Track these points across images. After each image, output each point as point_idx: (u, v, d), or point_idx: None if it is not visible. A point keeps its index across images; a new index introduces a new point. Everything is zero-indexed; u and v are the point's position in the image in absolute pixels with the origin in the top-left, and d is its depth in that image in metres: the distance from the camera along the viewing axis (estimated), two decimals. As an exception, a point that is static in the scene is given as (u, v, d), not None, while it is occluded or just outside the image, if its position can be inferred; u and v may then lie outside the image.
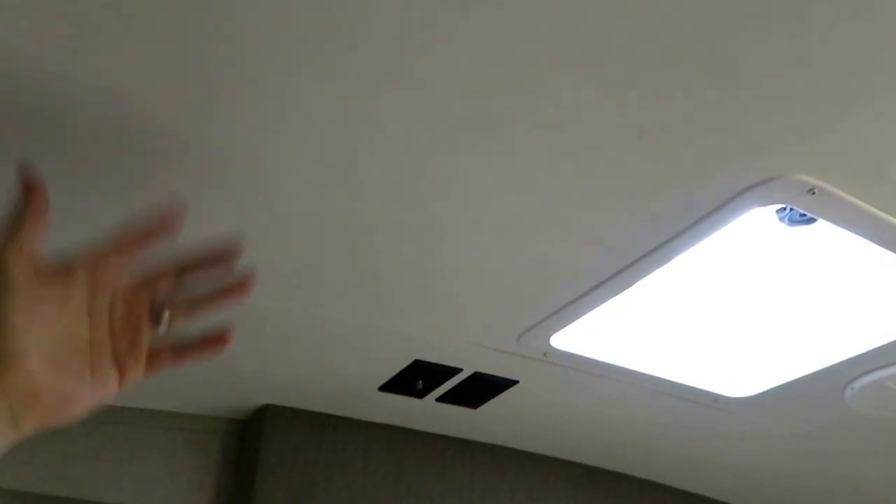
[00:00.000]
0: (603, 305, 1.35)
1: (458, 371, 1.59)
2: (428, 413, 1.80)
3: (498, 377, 1.61)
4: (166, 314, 0.84)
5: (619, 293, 1.31)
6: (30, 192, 0.74)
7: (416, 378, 1.62)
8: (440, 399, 1.72)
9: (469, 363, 1.56)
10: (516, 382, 1.63)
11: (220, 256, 0.87)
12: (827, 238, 1.18)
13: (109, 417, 1.75)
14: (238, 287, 0.87)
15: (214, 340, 0.86)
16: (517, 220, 1.10)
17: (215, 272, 0.87)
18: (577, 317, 1.37)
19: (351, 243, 1.16)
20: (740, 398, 1.63)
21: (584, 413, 1.77)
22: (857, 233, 1.12)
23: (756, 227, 1.17)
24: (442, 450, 1.91)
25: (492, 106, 0.88)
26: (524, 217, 1.09)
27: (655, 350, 1.52)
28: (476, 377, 1.61)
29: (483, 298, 1.32)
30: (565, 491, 2.01)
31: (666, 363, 1.55)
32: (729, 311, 1.41)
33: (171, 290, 0.85)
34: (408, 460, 1.86)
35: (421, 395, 1.70)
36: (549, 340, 1.44)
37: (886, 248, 1.16)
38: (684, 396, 1.65)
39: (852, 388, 1.53)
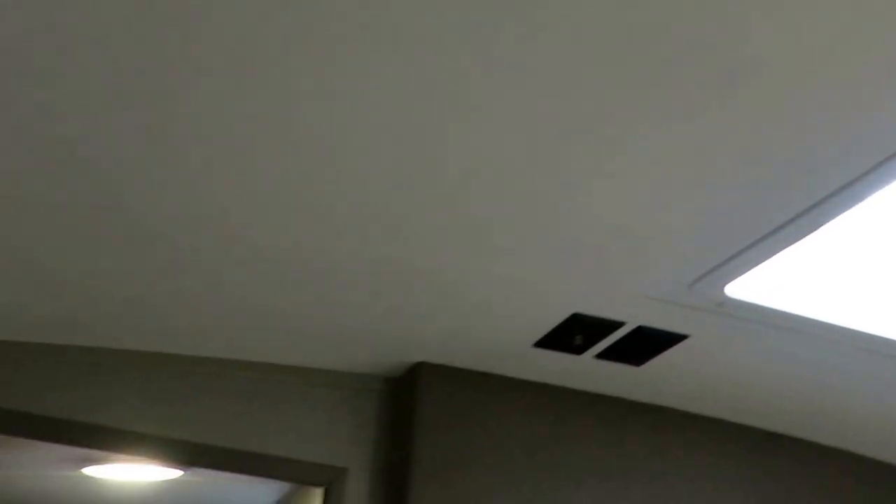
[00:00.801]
0: (786, 251, 1.19)
1: (620, 325, 1.48)
2: (587, 371, 1.70)
3: (665, 331, 1.48)
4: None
5: (802, 237, 1.15)
6: None
7: (575, 333, 1.52)
8: (600, 356, 1.62)
9: (633, 316, 1.44)
10: (685, 337, 1.49)
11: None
12: None
13: (272, 376, 1.80)
14: None
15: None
16: (689, 162, 0.97)
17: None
18: (757, 263, 1.22)
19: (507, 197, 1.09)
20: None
21: (763, 372, 1.60)
22: None
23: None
24: (603, 411, 1.80)
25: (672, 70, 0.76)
26: (696, 157, 0.96)
27: (848, 300, 1.33)
28: (640, 332, 1.49)
29: (649, 243, 1.19)
30: (740, 458, 1.85)
31: (860, 314, 1.36)
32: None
33: None
34: (567, 421, 1.77)
35: (579, 351, 1.60)
36: (724, 289, 1.29)
37: None
38: (881, 351, 1.44)
39: None
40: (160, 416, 1.70)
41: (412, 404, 1.70)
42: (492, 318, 1.51)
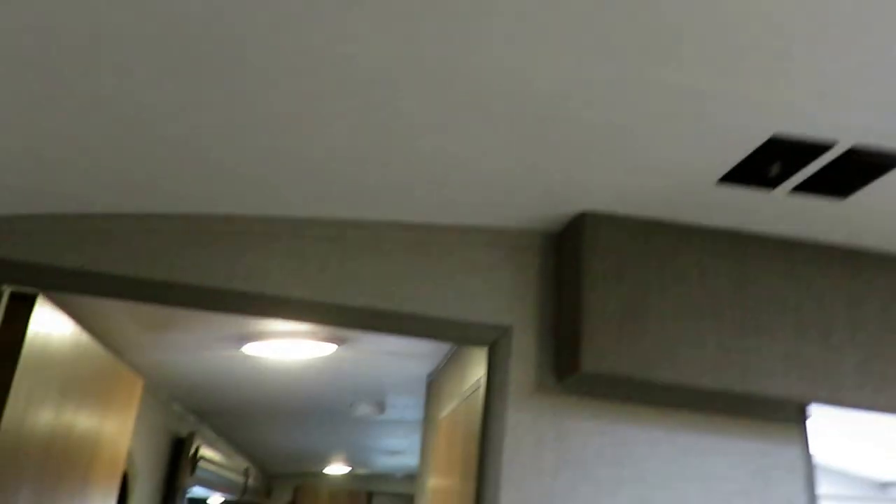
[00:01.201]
0: None
1: (827, 147, 1.26)
2: (779, 209, 1.50)
3: (885, 152, 1.25)
4: None
5: None
6: None
7: (771, 160, 1.32)
8: (798, 188, 1.41)
9: (845, 133, 1.22)
10: (911, 156, 1.26)
11: None
12: None
13: (429, 236, 1.71)
14: None
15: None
16: None
17: None
18: None
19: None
20: None
21: None
22: None
23: None
24: (794, 256, 1.60)
25: None
26: None
27: None
28: (852, 154, 1.27)
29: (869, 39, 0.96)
30: (955, 303, 1.62)
31: None
32: None
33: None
34: (751, 267, 1.59)
35: (774, 183, 1.40)
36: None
37: None
38: None
39: None
40: (317, 282, 1.66)
41: (578, 256, 1.58)
42: (671, 151, 1.33)
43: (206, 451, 4.04)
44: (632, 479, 1.56)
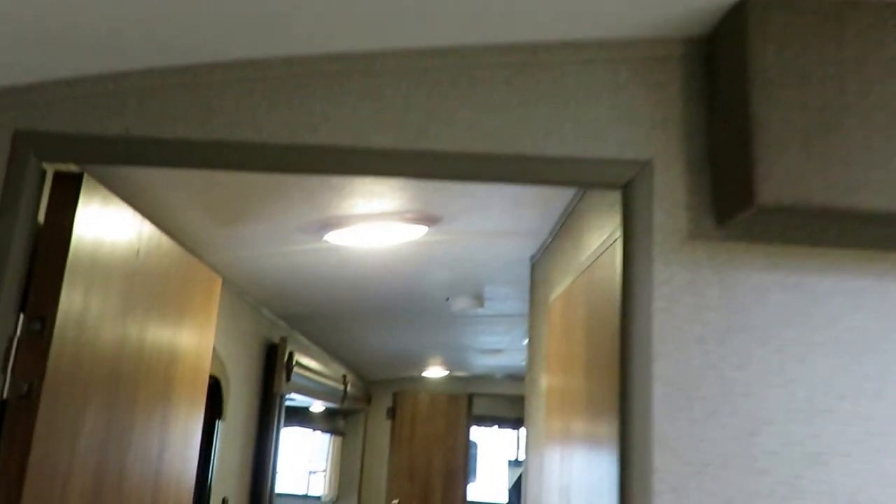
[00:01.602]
0: None
1: None
2: None
3: None
4: None
5: None
6: None
7: None
8: None
9: None
10: None
11: None
12: None
13: (536, 57, 1.33)
14: None
15: None
16: None
17: None
18: None
19: None
20: None
21: None
22: None
23: None
24: None
25: None
26: None
27: None
28: None
29: None
30: None
31: None
32: None
33: None
34: None
35: None
36: None
37: None
38: None
39: None
40: (401, 125, 1.33)
41: (743, 57, 1.17)
42: None
43: (300, 358, 3.90)
44: (824, 343, 1.20)
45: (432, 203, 2.08)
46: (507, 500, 7.33)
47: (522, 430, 10.28)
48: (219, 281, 2.04)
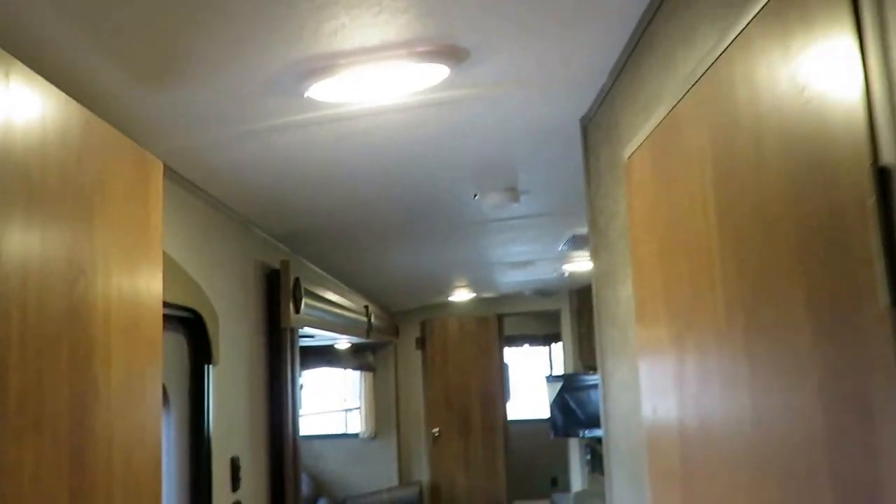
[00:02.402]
0: None
1: None
2: None
3: None
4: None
5: None
6: None
7: None
8: None
9: None
10: None
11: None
12: None
13: None
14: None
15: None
16: None
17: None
18: None
19: None
20: None
21: None
22: None
23: None
24: None
25: None
26: None
27: None
28: None
29: None
30: None
31: None
32: None
33: None
34: None
35: None
36: None
37: None
38: None
39: None
40: None
41: None
42: None
43: (312, 287, 3.28)
44: None
45: (455, 27, 1.40)
46: (549, 416, 6.82)
47: (556, 345, 9.76)
48: (158, 166, 1.37)
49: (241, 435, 2.34)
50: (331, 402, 8.48)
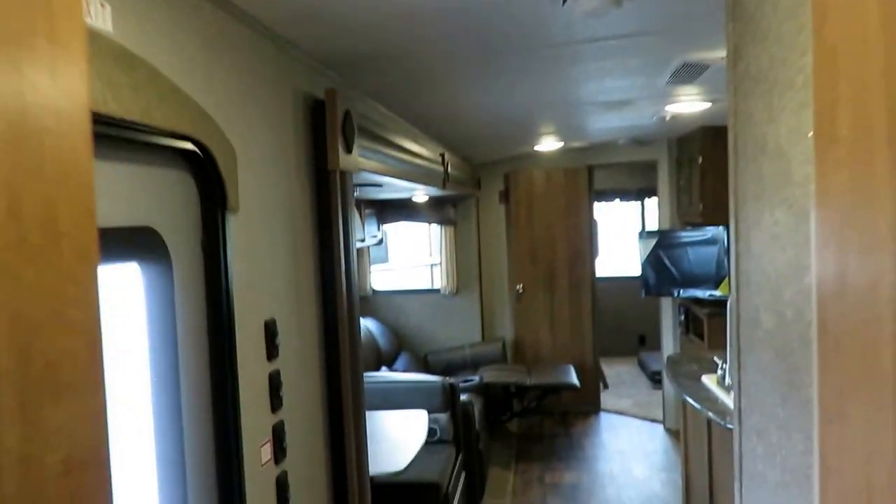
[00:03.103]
0: None
1: None
2: None
3: None
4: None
5: None
6: None
7: None
8: None
9: None
10: None
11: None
12: None
13: None
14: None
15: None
16: None
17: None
18: None
19: None
20: None
21: None
22: None
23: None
24: None
25: None
26: None
27: None
28: None
29: None
30: None
31: None
32: None
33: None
34: None
35: None
36: None
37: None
38: None
39: None
40: None
41: None
42: None
43: (370, 126, 2.78)
44: None
45: None
46: (640, 274, 6.31)
47: (650, 200, 9.05)
48: None
49: (278, 295, 1.95)
50: (416, 258, 8.22)
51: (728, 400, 3.26)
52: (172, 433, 1.42)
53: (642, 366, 8.60)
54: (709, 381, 3.60)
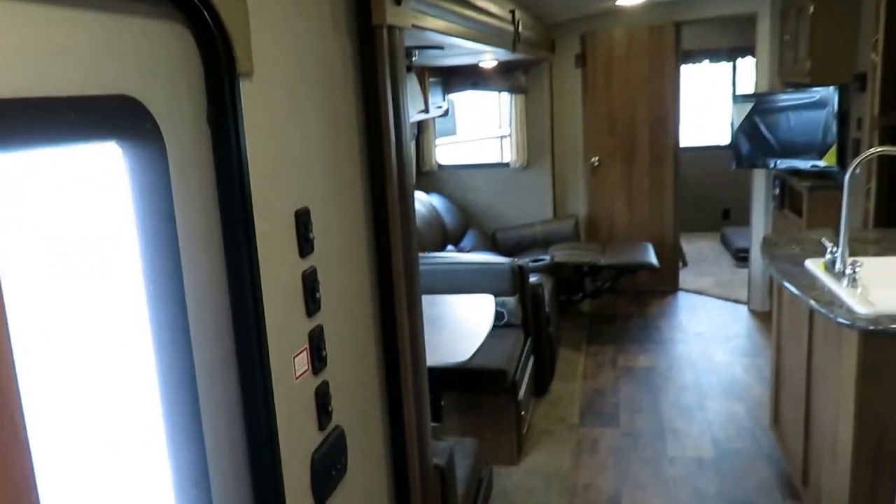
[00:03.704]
0: None
1: None
2: None
3: None
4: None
5: None
6: None
7: None
8: None
9: None
10: None
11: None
12: None
13: None
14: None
15: None
16: None
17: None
18: None
19: None
20: None
21: None
22: None
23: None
24: None
25: None
26: None
27: None
28: None
29: None
30: None
31: None
32: None
33: None
34: None
35: None
36: None
37: None
38: None
39: None
40: None
41: None
42: None
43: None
44: None
45: None
46: (731, 142, 5.75)
47: (743, 60, 8.19)
48: None
49: (312, 179, 1.64)
50: (485, 130, 7.78)
51: (838, 289, 2.85)
52: (177, 351, 1.17)
53: (725, 242, 8.11)
54: (814, 266, 3.18)
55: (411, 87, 3.28)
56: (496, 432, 3.90)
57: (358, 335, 1.92)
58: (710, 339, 5.50)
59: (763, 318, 5.86)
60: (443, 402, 3.49)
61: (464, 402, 3.88)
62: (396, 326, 2.10)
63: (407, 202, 2.08)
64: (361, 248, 1.95)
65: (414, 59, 3.39)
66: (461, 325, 3.50)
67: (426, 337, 3.25)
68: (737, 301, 6.29)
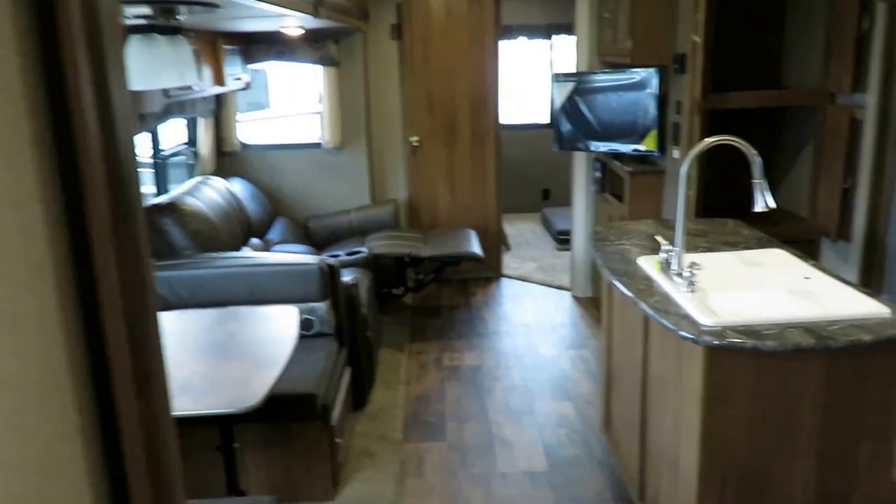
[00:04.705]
0: None
1: None
2: None
3: None
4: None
5: None
6: None
7: None
8: None
9: None
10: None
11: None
12: None
13: None
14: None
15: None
16: None
17: None
18: None
19: None
20: None
21: None
22: None
23: None
24: None
25: None
26: None
27: None
28: None
29: None
30: None
31: None
32: None
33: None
34: None
35: None
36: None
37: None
38: None
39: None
40: None
41: None
42: None
43: None
44: None
45: None
46: (552, 123, 5.50)
47: (561, 38, 8.06)
48: None
49: None
50: (303, 105, 7.01)
51: (677, 294, 2.56)
52: None
53: (546, 224, 8.02)
54: (648, 265, 2.89)
55: (176, 53, 2.54)
56: (308, 464, 3.32)
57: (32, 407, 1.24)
58: (535, 331, 5.25)
59: (586, 304, 5.73)
60: (236, 445, 2.84)
61: (268, 433, 3.26)
62: (113, 377, 1.43)
63: (129, 203, 1.41)
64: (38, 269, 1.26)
65: (180, 17, 2.66)
66: (256, 349, 2.86)
67: (207, 371, 2.56)
68: (560, 287, 6.13)
